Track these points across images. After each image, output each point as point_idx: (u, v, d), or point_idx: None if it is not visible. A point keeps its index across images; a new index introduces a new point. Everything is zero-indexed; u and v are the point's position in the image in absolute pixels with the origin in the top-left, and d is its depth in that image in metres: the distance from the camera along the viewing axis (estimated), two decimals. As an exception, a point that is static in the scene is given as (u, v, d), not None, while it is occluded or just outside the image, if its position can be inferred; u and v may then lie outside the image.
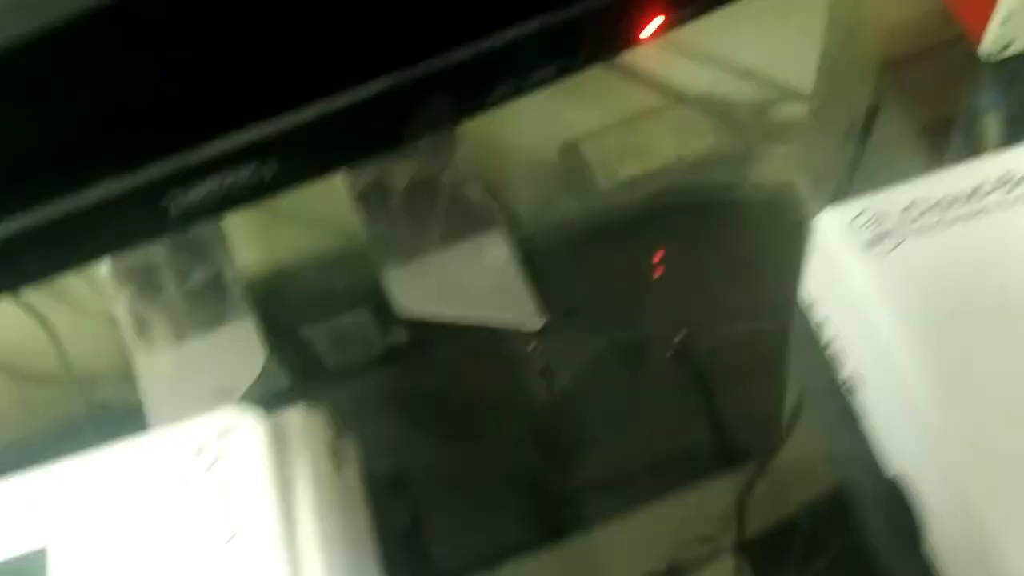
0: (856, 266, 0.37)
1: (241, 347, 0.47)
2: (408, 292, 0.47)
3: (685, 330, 0.46)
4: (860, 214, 0.38)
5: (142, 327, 0.48)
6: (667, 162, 0.57)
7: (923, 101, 0.55)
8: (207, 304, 0.48)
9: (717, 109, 0.56)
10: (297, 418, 0.37)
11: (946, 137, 0.55)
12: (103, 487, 0.35)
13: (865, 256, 0.37)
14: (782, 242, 0.50)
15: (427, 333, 0.46)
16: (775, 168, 0.58)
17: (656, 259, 0.53)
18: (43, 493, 0.35)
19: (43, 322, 0.49)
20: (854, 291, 0.38)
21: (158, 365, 0.47)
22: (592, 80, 0.45)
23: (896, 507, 0.38)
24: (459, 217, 0.48)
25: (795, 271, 0.44)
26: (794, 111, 0.57)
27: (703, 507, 0.43)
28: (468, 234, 0.48)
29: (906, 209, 0.38)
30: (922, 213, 0.38)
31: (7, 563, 0.34)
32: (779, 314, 0.46)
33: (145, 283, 0.48)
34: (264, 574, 0.32)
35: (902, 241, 0.37)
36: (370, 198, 0.48)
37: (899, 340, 0.36)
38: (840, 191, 0.51)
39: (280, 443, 0.35)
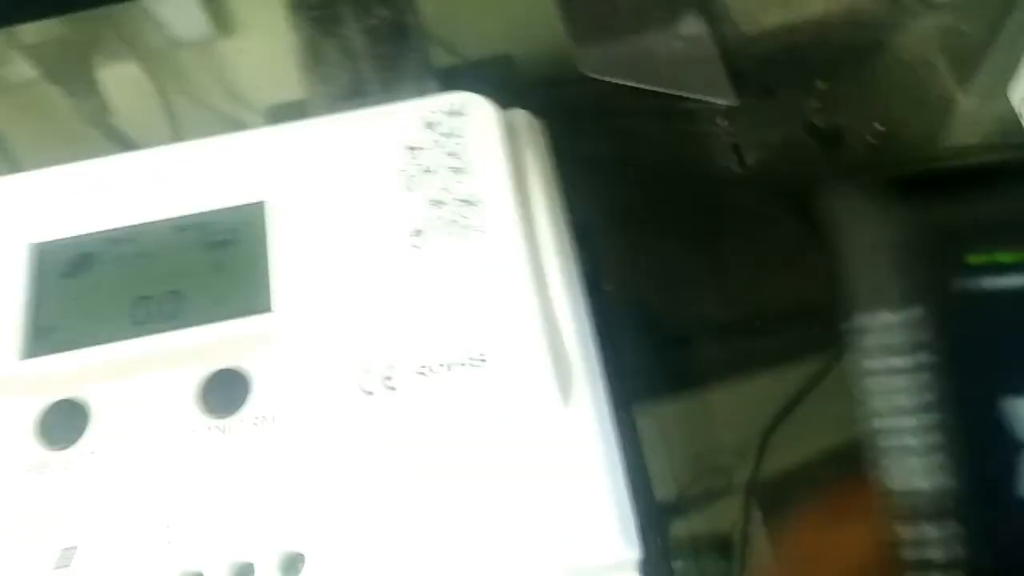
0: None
1: (416, 88, 0.45)
2: (598, 57, 0.45)
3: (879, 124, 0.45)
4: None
5: (316, 58, 0.46)
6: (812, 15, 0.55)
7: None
8: (384, 43, 0.46)
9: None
10: (520, 118, 0.36)
11: None
12: (328, 150, 0.34)
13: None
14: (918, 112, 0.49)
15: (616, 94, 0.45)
16: (916, 42, 0.56)
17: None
18: (267, 151, 0.34)
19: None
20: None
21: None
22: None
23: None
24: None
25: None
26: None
27: (726, 437, 0.41)
28: (661, 5, 0.46)
29: None
30: None
31: (228, 210, 0.33)
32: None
33: (325, 15, 0.46)
34: (501, 245, 0.31)
35: None
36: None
37: None
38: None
39: (508, 133, 0.34)
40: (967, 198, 0.14)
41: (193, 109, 0.54)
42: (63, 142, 0.55)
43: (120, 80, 0.54)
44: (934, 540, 0.13)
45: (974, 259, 0.13)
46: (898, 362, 0.13)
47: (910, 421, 0.13)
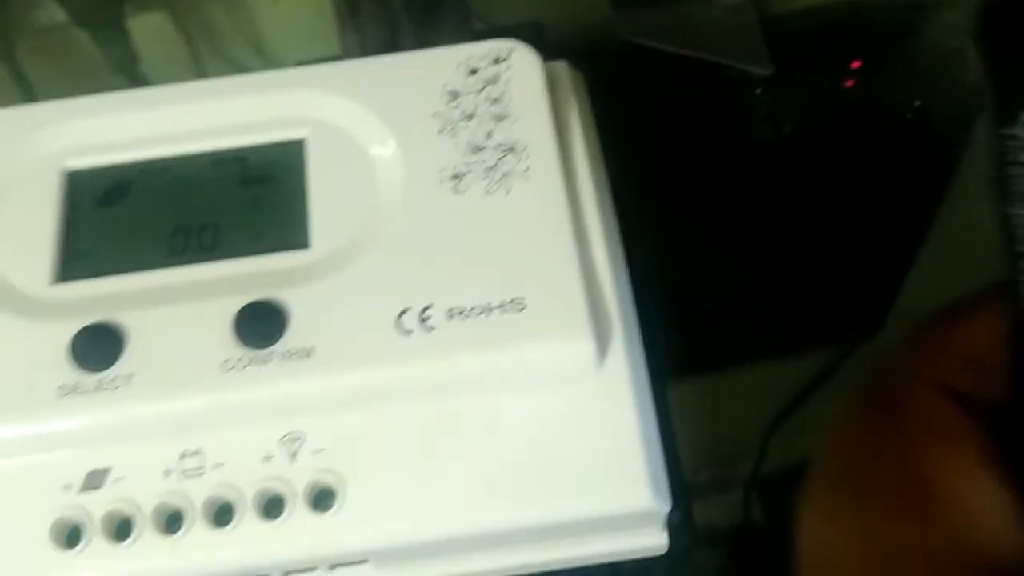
0: None
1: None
2: (636, 21, 0.45)
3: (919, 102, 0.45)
4: None
5: (352, 9, 0.46)
6: None
7: None
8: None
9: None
10: (564, 70, 0.36)
11: None
12: (370, 90, 0.33)
13: None
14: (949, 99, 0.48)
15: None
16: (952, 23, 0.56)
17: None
18: (309, 89, 0.34)
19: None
20: None
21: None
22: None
23: None
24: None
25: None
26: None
27: (735, 427, 0.41)
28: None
29: None
30: None
31: (268, 146, 0.33)
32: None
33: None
34: (542, 193, 0.31)
35: None
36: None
37: None
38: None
39: (550, 83, 0.34)
40: None
41: (221, 62, 0.54)
42: (89, 88, 0.54)
43: (150, 29, 0.54)
44: None
45: None
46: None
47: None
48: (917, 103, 0.45)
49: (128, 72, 0.53)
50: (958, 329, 0.16)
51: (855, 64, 0.53)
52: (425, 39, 0.45)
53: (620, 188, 0.41)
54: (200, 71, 0.53)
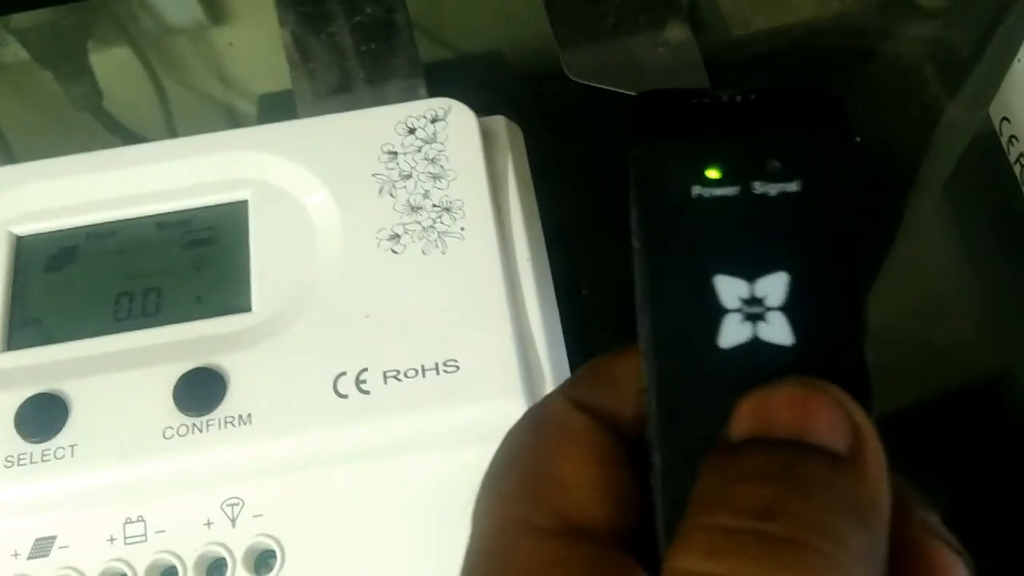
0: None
1: (404, 85, 0.46)
2: (583, 61, 0.46)
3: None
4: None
5: (304, 54, 0.47)
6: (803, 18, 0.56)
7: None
8: (372, 40, 0.47)
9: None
10: (500, 124, 0.36)
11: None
12: (310, 152, 0.34)
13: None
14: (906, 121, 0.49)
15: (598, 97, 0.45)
16: (907, 48, 0.57)
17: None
18: (251, 151, 0.34)
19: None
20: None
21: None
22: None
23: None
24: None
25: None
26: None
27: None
28: (648, 12, 0.47)
29: None
30: None
31: (211, 208, 0.34)
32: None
33: (313, 12, 0.46)
34: (477, 253, 0.32)
35: None
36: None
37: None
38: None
39: (487, 139, 0.35)
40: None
41: (184, 96, 0.54)
42: (54, 125, 0.55)
43: (112, 65, 0.54)
44: None
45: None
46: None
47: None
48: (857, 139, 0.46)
49: (92, 108, 0.53)
50: (605, 358, 0.20)
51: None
52: (375, 82, 0.45)
53: (566, 226, 0.42)
54: (165, 105, 0.54)
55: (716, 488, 0.17)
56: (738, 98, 0.19)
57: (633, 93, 0.45)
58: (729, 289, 0.18)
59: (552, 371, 0.31)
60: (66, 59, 0.55)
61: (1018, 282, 0.44)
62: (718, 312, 0.18)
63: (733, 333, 0.18)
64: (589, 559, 0.17)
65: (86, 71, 0.54)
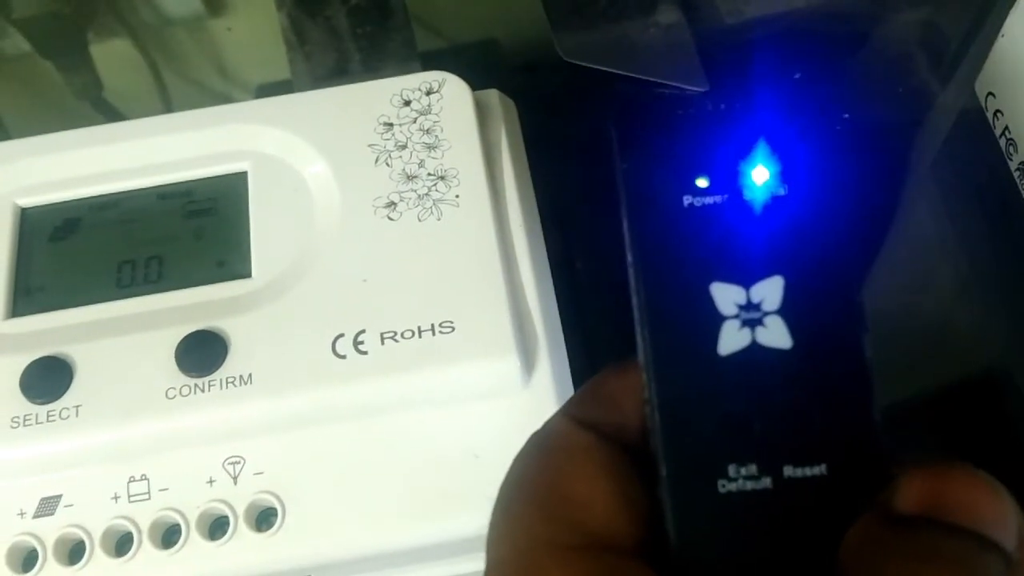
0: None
1: (399, 68, 0.47)
2: (576, 41, 0.47)
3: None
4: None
5: (301, 37, 0.47)
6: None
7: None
8: (368, 23, 0.47)
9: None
10: (493, 97, 0.37)
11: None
12: (308, 123, 0.35)
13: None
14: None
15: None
16: (896, 32, 0.58)
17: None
18: (250, 123, 0.35)
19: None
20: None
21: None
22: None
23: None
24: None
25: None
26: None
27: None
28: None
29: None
30: None
31: (211, 179, 0.34)
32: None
33: (311, -5, 0.47)
34: (472, 219, 0.33)
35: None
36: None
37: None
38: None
39: (481, 111, 0.36)
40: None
41: (184, 86, 0.55)
42: (55, 115, 0.56)
43: (112, 55, 0.55)
44: None
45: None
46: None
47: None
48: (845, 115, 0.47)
49: (92, 98, 0.54)
50: (604, 377, 0.20)
51: (796, 76, 0.54)
52: (371, 65, 0.46)
53: (564, 201, 0.43)
54: (164, 95, 0.55)
55: (880, 559, 0.16)
56: (722, 106, 0.19)
57: (626, 74, 0.46)
58: (726, 296, 0.18)
59: (545, 331, 0.32)
60: (66, 50, 0.55)
61: (1004, 258, 0.45)
62: (716, 319, 0.18)
63: (732, 340, 0.18)
64: (615, 573, 0.17)
65: (86, 61, 0.54)
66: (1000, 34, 0.42)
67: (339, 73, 0.46)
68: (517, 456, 0.20)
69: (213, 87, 0.56)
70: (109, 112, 0.53)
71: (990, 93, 0.43)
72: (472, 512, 0.29)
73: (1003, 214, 0.44)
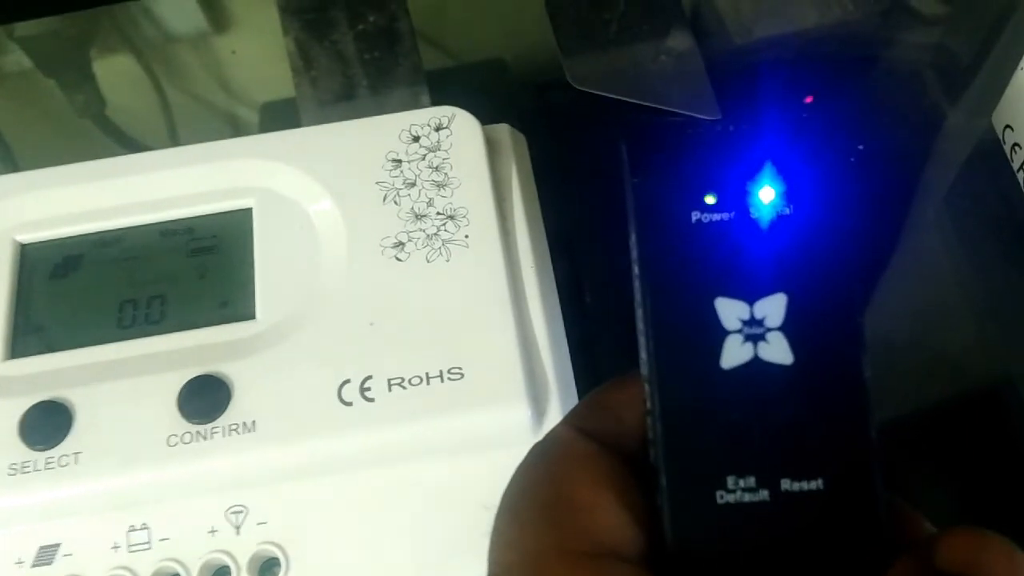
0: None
1: (407, 93, 0.46)
2: (586, 69, 0.46)
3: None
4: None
5: (307, 62, 0.47)
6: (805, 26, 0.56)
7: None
8: (376, 48, 0.47)
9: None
10: (504, 132, 0.36)
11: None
12: (315, 160, 0.34)
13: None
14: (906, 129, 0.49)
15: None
16: (908, 54, 0.57)
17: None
18: (255, 159, 0.34)
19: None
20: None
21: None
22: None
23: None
24: (642, 4, 0.47)
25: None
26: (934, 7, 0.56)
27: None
28: (651, 21, 0.47)
29: None
30: None
31: (215, 216, 0.34)
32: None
33: (317, 19, 0.47)
34: (481, 261, 0.32)
35: None
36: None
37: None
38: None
39: (491, 147, 0.35)
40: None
41: (187, 104, 0.54)
42: (57, 133, 0.55)
43: (115, 73, 0.54)
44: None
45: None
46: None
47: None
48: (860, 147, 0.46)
49: (95, 116, 0.53)
50: (605, 389, 0.21)
51: (808, 99, 0.53)
52: (379, 90, 0.46)
53: (571, 232, 0.42)
54: (167, 113, 0.54)
55: None
56: (731, 127, 0.19)
57: (636, 101, 0.45)
58: (730, 311, 0.19)
59: (556, 378, 0.31)
60: (69, 67, 0.55)
61: (1020, 289, 0.44)
62: (720, 334, 0.19)
63: (734, 354, 0.19)
64: None
65: (89, 79, 0.54)
66: (1019, 67, 0.41)
67: (346, 98, 0.46)
68: (520, 465, 0.21)
69: (217, 105, 0.55)
70: (112, 130, 0.52)
71: (1008, 126, 0.42)
72: (482, 565, 0.29)
73: (1020, 246, 0.44)
